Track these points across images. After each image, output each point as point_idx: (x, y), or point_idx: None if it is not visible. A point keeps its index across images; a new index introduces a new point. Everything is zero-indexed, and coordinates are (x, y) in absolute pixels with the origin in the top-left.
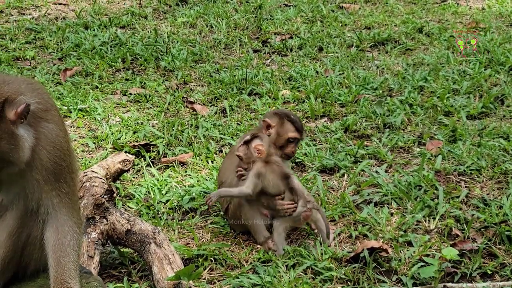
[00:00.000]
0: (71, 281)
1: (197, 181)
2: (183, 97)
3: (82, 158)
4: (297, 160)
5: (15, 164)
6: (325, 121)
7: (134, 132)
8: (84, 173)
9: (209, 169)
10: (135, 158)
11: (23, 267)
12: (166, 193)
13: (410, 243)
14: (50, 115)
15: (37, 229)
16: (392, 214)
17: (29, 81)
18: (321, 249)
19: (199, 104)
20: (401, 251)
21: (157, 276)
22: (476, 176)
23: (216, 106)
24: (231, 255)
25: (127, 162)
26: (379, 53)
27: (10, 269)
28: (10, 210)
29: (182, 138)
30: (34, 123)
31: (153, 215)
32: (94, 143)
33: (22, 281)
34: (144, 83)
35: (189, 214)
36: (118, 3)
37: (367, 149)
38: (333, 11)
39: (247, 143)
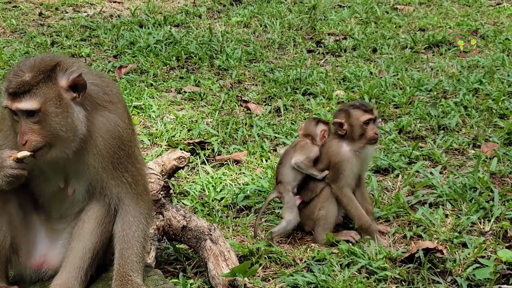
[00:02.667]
0: (132, 274)
1: (252, 179)
2: (237, 96)
3: (142, 157)
4: None
5: (64, 134)
6: (379, 122)
7: (189, 130)
8: None
9: (263, 168)
10: (190, 155)
11: (110, 259)
12: (220, 190)
13: (465, 245)
14: (114, 106)
15: None
16: (446, 216)
17: (98, 72)
18: (376, 249)
19: (253, 103)
20: (456, 252)
21: (212, 272)
22: None
23: (270, 105)
24: (286, 253)
25: (183, 159)
26: (433, 55)
27: (99, 260)
28: (97, 200)
29: (237, 136)
30: (93, 108)
31: (208, 212)
32: (149, 140)
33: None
34: (199, 82)
35: (244, 212)
36: (173, 2)
37: (422, 151)
38: (387, 12)
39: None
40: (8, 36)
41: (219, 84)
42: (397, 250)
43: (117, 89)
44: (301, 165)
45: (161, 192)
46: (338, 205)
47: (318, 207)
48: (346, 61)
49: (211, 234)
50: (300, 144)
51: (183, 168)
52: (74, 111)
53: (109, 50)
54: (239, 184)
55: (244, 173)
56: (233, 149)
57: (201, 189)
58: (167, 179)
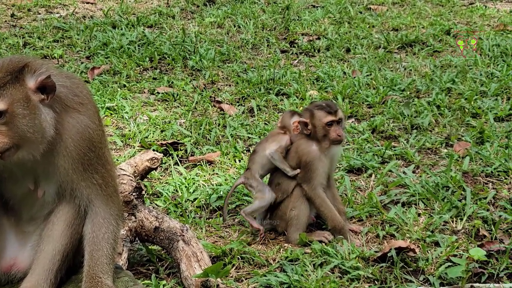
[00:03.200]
0: (103, 276)
1: (225, 180)
2: (210, 97)
3: (113, 158)
4: None
5: (32, 136)
6: (352, 121)
7: (162, 131)
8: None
9: (236, 168)
10: (163, 156)
11: (80, 261)
12: (193, 191)
13: (437, 243)
14: (84, 108)
15: None
16: (419, 215)
17: (68, 74)
18: (348, 248)
19: (227, 103)
20: (428, 251)
21: (185, 273)
22: (503, 178)
23: (244, 105)
24: (259, 253)
25: (155, 160)
26: (406, 55)
27: (69, 262)
28: (66, 202)
29: (210, 137)
30: (63, 110)
31: (180, 213)
32: (122, 141)
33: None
34: (172, 82)
35: (217, 213)
36: (146, 3)
37: (395, 150)
38: (360, 12)
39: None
40: None
41: (193, 85)
42: (370, 250)
43: (88, 90)
44: (275, 156)
45: (133, 194)
46: (310, 205)
47: (289, 207)
48: (320, 61)
49: (183, 235)
50: (272, 133)
51: (156, 169)
52: (42, 113)
53: (81, 51)
54: (212, 185)
55: (217, 173)
56: (206, 149)
57: (174, 190)
58: (139, 180)
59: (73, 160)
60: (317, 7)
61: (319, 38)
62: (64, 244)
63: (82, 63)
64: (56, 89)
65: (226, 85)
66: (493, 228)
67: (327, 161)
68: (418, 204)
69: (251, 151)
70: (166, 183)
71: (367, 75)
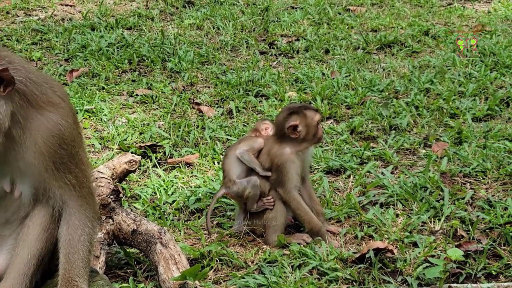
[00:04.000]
0: (78, 280)
1: (203, 182)
2: (189, 99)
3: (88, 159)
4: None
5: None
6: (331, 122)
7: (141, 133)
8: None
9: (215, 170)
10: (141, 158)
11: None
12: (172, 193)
13: (415, 244)
14: (56, 106)
15: None
16: (397, 215)
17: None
18: (327, 250)
19: (206, 105)
20: (407, 252)
21: (163, 276)
22: (481, 178)
23: (223, 107)
24: (237, 255)
25: (133, 163)
26: (385, 56)
27: (44, 266)
28: (42, 205)
29: (189, 139)
30: (30, 106)
31: (159, 215)
32: (100, 143)
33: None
34: (151, 84)
35: (195, 215)
36: (125, 5)
37: (373, 151)
38: (339, 13)
39: None
40: None
41: (171, 87)
42: (348, 251)
43: (63, 91)
44: (245, 156)
45: (111, 196)
46: (287, 206)
47: (266, 210)
48: (299, 63)
49: (161, 238)
50: (244, 137)
51: (134, 171)
52: None
53: (60, 53)
54: (191, 187)
55: (196, 175)
56: (185, 152)
57: (152, 192)
58: (117, 183)
59: (44, 157)
60: (296, 8)
61: (298, 39)
62: (40, 248)
63: (60, 65)
64: (14, 83)
65: (205, 87)
66: (471, 228)
67: (300, 163)
68: (397, 204)
69: (222, 158)
70: (145, 185)
71: (346, 76)
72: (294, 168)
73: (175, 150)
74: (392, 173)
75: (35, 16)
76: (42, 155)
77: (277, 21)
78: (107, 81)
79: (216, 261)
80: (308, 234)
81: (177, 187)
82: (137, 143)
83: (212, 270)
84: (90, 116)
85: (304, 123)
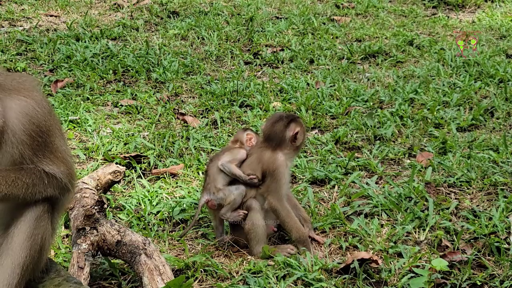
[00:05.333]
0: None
1: (188, 192)
2: (174, 109)
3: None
4: None
5: None
6: (316, 133)
7: (125, 144)
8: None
9: (200, 181)
10: (125, 169)
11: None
12: (156, 204)
13: (400, 254)
14: (31, 93)
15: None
16: (382, 226)
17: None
18: (312, 260)
19: (190, 115)
20: (391, 262)
21: (147, 287)
22: (466, 188)
23: (207, 117)
24: (222, 266)
25: (118, 173)
26: (370, 66)
27: (29, 275)
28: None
29: (173, 149)
30: (7, 95)
31: (143, 226)
32: (85, 154)
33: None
34: (135, 95)
35: (180, 226)
36: (110, 15)
37: (358, 161)
38: (324, 23)
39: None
40: None
41: (156, 97)
42: (333, 261)
43: (35, 81)
44: (227, 167)
45: (95, 207)
46: (266, 215)
47: (245, 222)
48: (283, 73)
49: (145, 249)
50: (227, 147)
51: (118, 182)
52: None
53: (45, 64)
54: (176, 198)
55: (180, 186)
56: (170, 162)
57: (137, 203)
58: (102, 194)
59: (22, 144)
60: (280, 18)
61: (282, 50)
62: (24, 256)
63: (45, 76)
64: None
65: (190, 97)
66: (456, 239)
67: (289, 171)
68: (381, 215)
69: (205, 169)
70: (129, 196)
71: (331, 86)
72: (287, 174)
73: (160, 161)
74: (376, 183)
75: (20, 26)
76: (21, 142)
77: (261, 31)
78: (91, 92)
79: (201, 271)
80: (295, 242)
81: (161, 197)
82: (121, 154)
83: (197, 281)
84: (74, 127)
85: (302, 130)
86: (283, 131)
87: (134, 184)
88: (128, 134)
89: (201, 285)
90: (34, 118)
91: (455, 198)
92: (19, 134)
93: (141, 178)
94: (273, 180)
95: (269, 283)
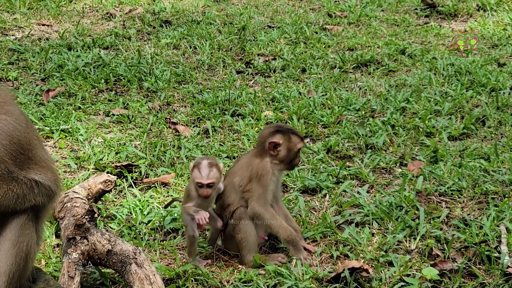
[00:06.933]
0: None
1: (179, 202)
2: (166, 118)
3: (64, 179)
4: None
5: None
6: (307, 141)
7: (117, 153)
8: (66, 193)
9: None
10: (117, 178)
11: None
12: (148, 213)
13: (391, 263)
14: (7, 106)
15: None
16: (373, 234)
17: None
18: (302, 269)
19: (182, 125)
20: (382, 271)
21: None
22: (457, 197)
23: (199, 127)
24: (212, 275)
25: (109, 183)
26: (362, 75)
27: (15, 283)
28: (10, 221)
29: (165, 158)
30: None
31: (134, 235)
32: (76, 163)
33: None
34: (127, 104)
35: (171, 235)
36: (102, 24)
37: (349, 170)
38: (316, 32)
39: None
40: None
41: (148, 106)
42: (323, 270)
43: (9, 93)
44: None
45: (86, 217)
46: (256, 225)
47: (235, 231)
48: (275, 82)
49: (136, 258)
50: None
51: (109, 191)
52: None
53: (37, 73)
54: (167, 207)
55: (172, 195)
56: (161, 171)
57: (128, 212)
58: (93, 203)
59: (6, 164)
60: (273, 27)
61: (275, 59)
62: (10, 264)
63: (37, 85)
64: None
65: (182, 106)
66: (446, 247)
67: (276, 181)
68: (372, 224)
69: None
70: (121, 205)
71: (322, 95)
72: (273, 182)
73: (151, 170)
74: (368, 192)
75: (12, 35)
76: (4, 163)
77: (254, 40)
78: (83, 101)
79: (192, 281)
80: (284, 252)
81: (153, 207)
82: (113, 163)
83: None
84: (66, 136)
85: (286, 145)
86: (265, 138)
87: (125, 194)
88: (120, 143)
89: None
90: (15, 138)
91: (446, 207)
92: (2, 155)
93: (132, 187)
94: (259, 185)
95: None
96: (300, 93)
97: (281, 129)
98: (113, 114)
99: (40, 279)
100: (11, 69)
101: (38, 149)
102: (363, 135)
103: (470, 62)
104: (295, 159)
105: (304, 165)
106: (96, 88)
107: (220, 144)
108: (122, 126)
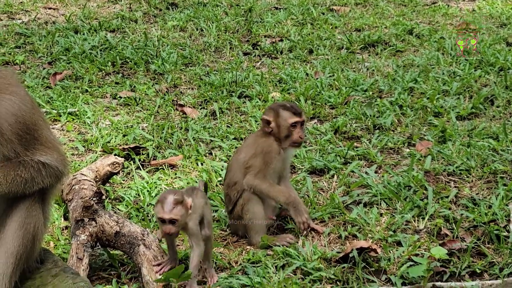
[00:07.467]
0: None
1: (187, 183)
2: (173, 100)
3: (72, 162)
4: None
5: None
6: (315, 123)
7: (124, 135)
8: (74, 176)
9: (198, 172)
10: (124, 160)
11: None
12: (155, 195)
13: (399, 243)
14: (12, 87)
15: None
16: (381, 215)
17: None
18: (311, 250)
19: (189, 107)
20: (390, 251)
21: (146, 277)
22: (465, 176)
23: (206, 108)
24: (221, 256)
25: (116, 165)
26: (369, 55)
27: (23, 265)
28: (17, 202)
29: (172, 140)
30: None
31: (142, 217)
32: (83, 146)
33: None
34: (134, 87)
35: None
36: (108, 7)
37: (357, 150)
38: (323, 13)
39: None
40: None
41: (155, 89)
42: (332, 250)
43: (14, 74)
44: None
45: (94, 198)
46: (265, 206)
47: (243, 212)
48: (282, 63)
49: (144, 239)
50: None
51: (117, 173)
52: None
53: (43, 57)
54: (174, 188)
55: (179, 177)
56: (169, 153)
57: (136, 194)
58: (100, 185)
59: (12, 144)
60: (279, 9)
61: (281, 40)
62: (17, 245)
63: (44, 68)
64: None
65: (189, 88)
66: (455, 227)
67: (281, 160)
68: (380, 204)
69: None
70: (128, 187)
71: (330, 76)
72: (277, 161)
73: (159, 152)
74: (376, 172)
75: (19, 19)
76: (11, 142)
77: (260, 22)
78: (90, 84)
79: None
80: (286, 207)
81: (160, 188)
82: (120, 145)
83: None
84: (73, 119)
85: (276, 121)
86: (263, 116)
87: (133, 176)
88: (127, 126)
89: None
90: (20, 117)
91: (455, 187)
92: (8, 134)
93: (140, 169)
94: (261, 162)
95: (268, 272)
96: (307, 74)
97: (273, 107)
98: (120, 97)
99: (48, 260)
100: (18, 52)
101: (44, 129)
102: (370, 115)
103: (479, 42)
104: (291, 135)
105: (311, 145)
106: (103, 71)
107: (228, 126)
108: (129, 109)
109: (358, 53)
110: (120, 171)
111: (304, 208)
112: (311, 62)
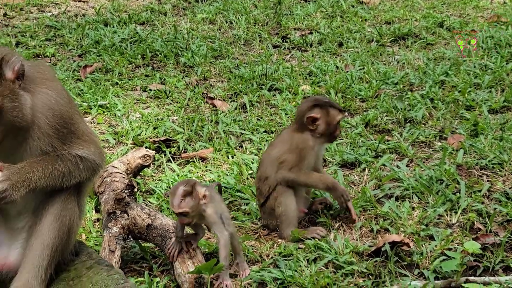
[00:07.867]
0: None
1: (218, 176)
2: (203, 93)
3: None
4: None
5: (19, 124)
6: (345, 116)
7: (154, 128)
8: (105, 168)
9: (229, 164)
10: (155, 153)
11: (71, 259)
12: None
13: (431, 237)
14: (51, 84)
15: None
16: (413, 208)
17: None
18: (342, 243)
19: (219, 99)
20: (423, 245)
21: (178, 270)
22: (498, 170)
23: (236, 101)
24: (252, 249)
25: (148, 157)
26: (399, 48)
27: (58, 257)
28: (53, 194)
29: (202, 133)
30: (32, 88)
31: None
32: (114, 139)
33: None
34: (164, 79)
35: None
36: (137, 0)
37: (388, 144)
38: (353, 6)
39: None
40: None
41: (185, 82)
42: (364, 244)
43: (50, 68)
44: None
45: (126, 191)
46: (297, 198)
47: (275, 205)
48: (312, 56)
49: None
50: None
51: (148, 166)
52: (23, 98)
53: (74, 49)
54: (205, 181)
55: (210, 170)
56: (199, 146)
57: (167, 187)
58: (132, 178)
59: (49, 138)
60: (309, 1)
61: (311, 33)
62: (53, 237)
63: (74, 61)
64: (25, 71)
65: (219, 81)
66: (488, 221)
67: (315, 155)
68: (412, 198)
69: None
70: (159, 180)
71: (360, 69)
72: (312, 156)
73: (189, 145)
74: (407, 166)
75: (49, 12)
76: (48, 136)
77: (290, 14)
78: (120, 77)
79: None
80: (326, 191)
81: None
82: (151, 138)
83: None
84: (104, 112)
85: (324, 119)
86: (304, 113)
87: (163, 168)
88: (157, 119)
89: (231, 268)
90: (57, 111)
91: (487, 181)
92: (45, 128)
93: (171, 162)
94: (296, 157)
95: (300, 266)
96: (337, 67)
97: (319, 103)
98: (150, 90)
99: (82, 253)
100: (48, 45)
101: (81, 123)
102: (401, 108)
103: (510, 35)
104: (335, 132)
105: (342, 139)
106: (133, 64)
107: (258, 119)
108: (159, 101)
109: (388, 46)
110: (151, 164)
111: (343, 188)
112: (341, 55)
